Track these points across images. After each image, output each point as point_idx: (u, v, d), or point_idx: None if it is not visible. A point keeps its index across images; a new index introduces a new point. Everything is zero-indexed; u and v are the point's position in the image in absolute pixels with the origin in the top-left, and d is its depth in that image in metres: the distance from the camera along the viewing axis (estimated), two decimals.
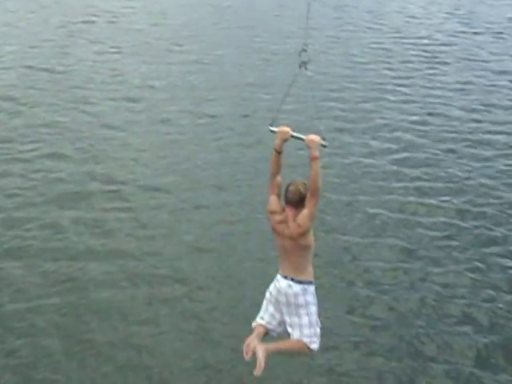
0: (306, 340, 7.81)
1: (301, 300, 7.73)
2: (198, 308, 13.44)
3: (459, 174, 18.66)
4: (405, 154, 19.67)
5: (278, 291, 7.84)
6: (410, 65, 26.94)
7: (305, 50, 7.81)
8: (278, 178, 7.90)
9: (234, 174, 18.67)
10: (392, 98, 23.70)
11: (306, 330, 7.81)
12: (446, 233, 16.04)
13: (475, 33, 31.53)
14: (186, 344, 12.50)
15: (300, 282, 7.71)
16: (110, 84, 24.78)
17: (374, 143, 20.33)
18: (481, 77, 25.94)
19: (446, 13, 34.87)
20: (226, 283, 14.25)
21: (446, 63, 27.34)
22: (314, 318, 7.84)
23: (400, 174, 18.63)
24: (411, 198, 17.50)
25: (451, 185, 18.14)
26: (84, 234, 15.72)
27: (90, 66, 26.61)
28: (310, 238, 7.63)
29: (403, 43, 29.74)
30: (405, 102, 23.37)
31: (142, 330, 12.82)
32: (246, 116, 22.25)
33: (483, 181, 18.30)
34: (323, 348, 12.30)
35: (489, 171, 18.80)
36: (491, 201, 17.41)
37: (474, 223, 16.43)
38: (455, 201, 17.36)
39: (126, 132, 20.89)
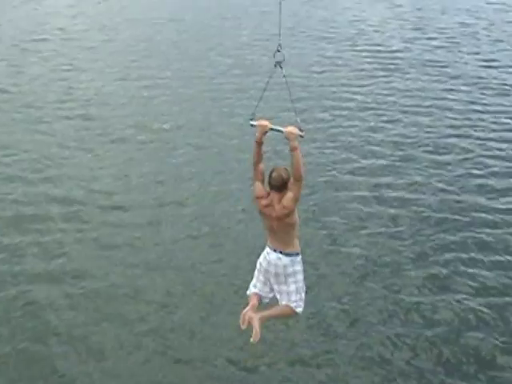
0: (292, 305, 8.57)
1: (289, 270, 8.50)
2: (162, 326, 13.28)
3: (419, 180, 18.71)
4: (363, 162, 19.67)
5: (269, 263, 8.54)
6: (365, 73, 26.99)
7: (279, 51, 8.54)
8: (261, 166, 8.41)
9: (193, 188, 18.51)
10: (349, 106, 23.69)
11: (293, 296, 8.58)
12: (407, 240, 16.06)
13: (428, 38, 31.71)
14: (152, 364, 12.31)
15: (288, 255, 8.46)
16: (66, 102, 24.45)
17: (331, 152, 20.29)
18: (436, 82, 26.08)
19: (400, 20, 35.02)
20: (189, 300, 14.08)
21: (401, 70, 27.42)
22: (301, 284, 8.63)
23: (359, 183, 18.62)
24: (371, 207, 17.50)
25: (411, 191, 18.19)
26: (43, 257, 15.47)
27: (44, 84, 26.26)
28: (295, 217, 8.30)
29: (358, 51, 29.81)
30: (361, 109, 23.37)
31: (105, 352, 12.64)
32: (203, 130, 22.07)
33: (443, 186, 18.36)
34: (290, 361, 12.36)
35: (448, 176, 18.86)
36: (451, 206, 17.49)
37: (436, 229, 16.48)
38: (415, 208, 17.40)
39: (83, 150, 20.61)
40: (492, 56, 29.00)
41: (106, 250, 15.77)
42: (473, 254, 15.49)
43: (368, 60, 28.45)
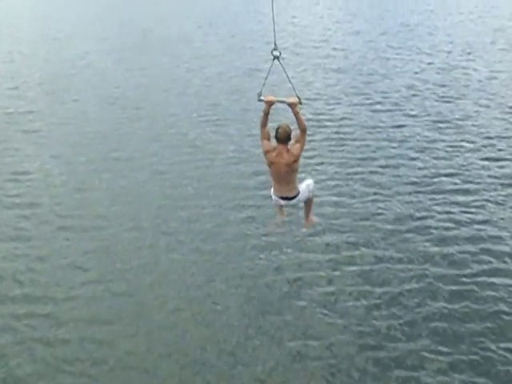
0: (310, 194, 12.57)
1: (300, 202, 12.37)
2: None
3: (379, 251, 18.70)
4: (322, 239, 19.45)
5: (280, 204, 12.20)
6: (314, 143, 26.49)
7: (275, 49, 11.27)
8: (267, 128, 11.46)
9: (140, 278, 18.08)
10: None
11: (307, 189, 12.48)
12: (373, 313, 15.96)
13: (374, 103, 31.67)
14: None
15: (293, 198, 11.88)
16: (11, 189, 23.71)
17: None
18: (385, 147, 25.95)
19: (343, 86, 34.99)
20: None
21: (349, 138, 27.14)
22: (311, 187, 12.51)
23: (317, 261, 18.42)
24: (333, 285, 17.29)
25: (361, 264, 18.18)
26: None
27: None
28: (299, 163, 11.44)
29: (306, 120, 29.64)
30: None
31: None
32: (151, 216, 21.48)
33: (403, 255, 18.44)
34: None
35: (409, 247, 18.84)
36: (414, 274, 17.56)
37: (399, 301, 16.56)
38: (376, 280, 17.44)
39: (27, 241, 20.06)
40: (439, 117, 29.16)
41: (58, 349, 15.26)
42: (437, 325, 15.69)
43: (314, 130, 28.21)
